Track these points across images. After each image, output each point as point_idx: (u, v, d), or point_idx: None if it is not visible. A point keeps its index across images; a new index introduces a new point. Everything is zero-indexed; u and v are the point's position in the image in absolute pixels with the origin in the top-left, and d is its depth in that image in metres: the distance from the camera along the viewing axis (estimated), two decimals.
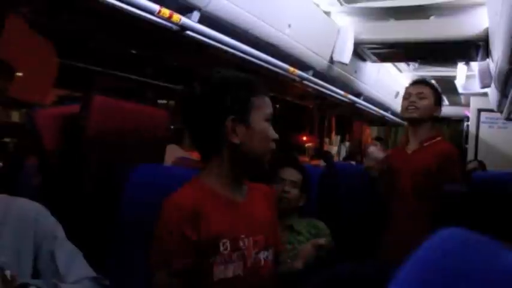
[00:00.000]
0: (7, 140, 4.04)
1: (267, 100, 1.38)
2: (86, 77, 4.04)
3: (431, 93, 2.44)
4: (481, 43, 3.83)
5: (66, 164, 1.76)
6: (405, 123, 2.67)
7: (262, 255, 1.33)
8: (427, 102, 2.40)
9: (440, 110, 2.49)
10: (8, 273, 1.16)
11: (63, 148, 1.76)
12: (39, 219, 1.28)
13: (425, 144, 2.41)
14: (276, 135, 1.37)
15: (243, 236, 1.28)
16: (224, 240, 1.24)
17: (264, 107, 1.35)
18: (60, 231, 1.32)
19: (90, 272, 1.31)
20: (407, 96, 2.43)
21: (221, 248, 1.23)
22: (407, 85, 2.57)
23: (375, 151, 2.44)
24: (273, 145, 1.37)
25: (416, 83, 2.51)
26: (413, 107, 2.39)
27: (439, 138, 2.46)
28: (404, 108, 2.42)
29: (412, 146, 2.44)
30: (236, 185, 1.36)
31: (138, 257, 1.63)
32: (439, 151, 2.37)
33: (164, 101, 5.69)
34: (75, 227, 1.47)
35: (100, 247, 1.58)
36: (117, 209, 1.66)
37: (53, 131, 1.76)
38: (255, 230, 1.32)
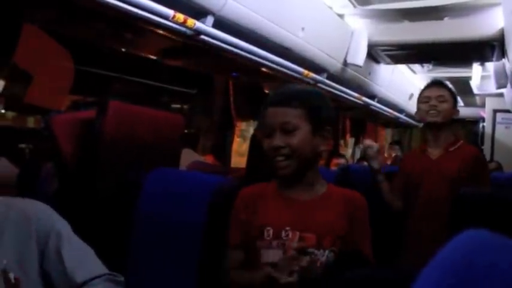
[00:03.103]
0: (23, 145, 4.08)
1: None
2: (101, 83, 4.07)
3: (450, 96, 2.34)
4: (496, 43, 3.80)
5: (82, 169, 1.78)
6: (419, 124, 2.59)
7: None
8: (447, 105, 2.31)
9: (458, 112, 2.39)
10: (11, 275, 1.15)
11: (79, 153, 1.77)
12: (40, 218, 1.24)
13: (450, 150, 2.31)
14: None
15: (287, 228, 1.37)
16: (268, 228, 1.37)
17: None
18: (65, 228, 1.27)
19: (102, 269, 1.28)
20: (426, 99, 2.33)
21: (265, 235, 1.36)
22: (422, 87, 2.46)
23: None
24: None
25: (434, 85, 2.40)
26: (434, 111, 2.29)
27: (461, 142, 2.36)
28: (425, 112, 2.32)
29: (434, 151, 2.34)
30: (300, 186, 1.44)
31: (155, 259, 1.63)
32: (467, 156, 2.28)
33: (178, 105, 5.70)
34: (92, 231, 1.49)
35: (117, 250, 1.59)
36: (133, 213, 1.67)
37: (69, 136, 1.77)
38: (307, 227, 1.38)
